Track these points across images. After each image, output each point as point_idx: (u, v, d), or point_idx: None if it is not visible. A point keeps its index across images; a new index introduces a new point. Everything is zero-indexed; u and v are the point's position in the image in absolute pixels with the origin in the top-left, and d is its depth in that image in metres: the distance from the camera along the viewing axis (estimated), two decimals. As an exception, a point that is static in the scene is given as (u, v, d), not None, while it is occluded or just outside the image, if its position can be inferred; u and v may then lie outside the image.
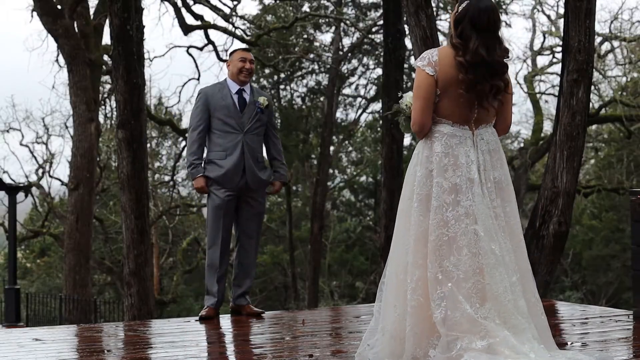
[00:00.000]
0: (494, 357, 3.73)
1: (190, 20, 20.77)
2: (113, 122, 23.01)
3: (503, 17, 23.92)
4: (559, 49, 20.12)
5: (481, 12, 4.01)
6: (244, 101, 6.31)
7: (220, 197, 6.18)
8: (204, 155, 6.34)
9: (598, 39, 21.55)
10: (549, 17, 23.92)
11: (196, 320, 6.13)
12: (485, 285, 3.87)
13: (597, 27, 17.92)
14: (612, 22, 22.30)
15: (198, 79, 22.73)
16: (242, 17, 22.32)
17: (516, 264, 4.01)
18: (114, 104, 21.22)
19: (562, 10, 19.87)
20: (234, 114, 6.26)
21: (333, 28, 25.33)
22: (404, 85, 20.41)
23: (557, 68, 21.80)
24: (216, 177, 6.19)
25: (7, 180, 22.79)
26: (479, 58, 3.95)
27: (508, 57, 4.08)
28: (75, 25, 18.89)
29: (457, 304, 3.84)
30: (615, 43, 22.77)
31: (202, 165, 6.28)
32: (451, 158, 3.99)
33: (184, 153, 25.69)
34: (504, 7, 23.79)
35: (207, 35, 21.43)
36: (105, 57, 20.03)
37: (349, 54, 25.75)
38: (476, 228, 3.92)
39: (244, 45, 19.55)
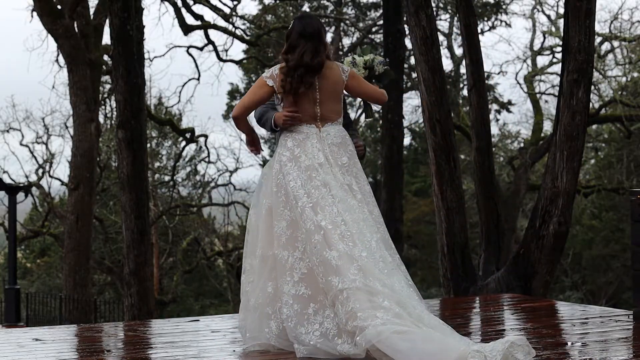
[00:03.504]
0: (365, 282, 4.31)
1: (190, 20, 20.79)
2: (113, 122, 23.01)
3: (503, 17, 23.94)
4: (559, 49, 20.12)
5: (306, 23, 4.76)
6: None
7: None
8: None
9: (598, 39, 21.54)
10: (549, 17, 23.92)
11: None
12: (353, 233, 4.49)
13: (597, 27, 17.94)
14: (612, 22, 22.30)
15: (198, 79, 22.75)
16: (242, 17, 22.32)
17: (375, 225, 4.64)
18: (114, 104, 21.22)
19: (562, 10, 19.86)
20: None
21: (333, 28, 25.33)
22: (404, 85, 20.41)
23: (557, 68, 21.80)
24: None
25: (7, 180, 22.80)
26: (302, 62, 4.66)
27: (330, 57, 4.82)
28: (75, 25, 18.89)
29: (332, 245, 4.44)
30: (615, 43, 22.76)
31: None
32: (301, 149, 4.71)
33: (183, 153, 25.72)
34: (504, 7, 23.79)
35: (207, 35, 21.43)
36: (105, 57, 20.03)
37: (349, 54, 25.75)
38: (333, 193, 4.58)
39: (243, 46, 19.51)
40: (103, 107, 23.05)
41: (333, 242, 4.44)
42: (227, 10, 21.28)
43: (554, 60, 23.55)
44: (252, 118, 6.21)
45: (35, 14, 19.56)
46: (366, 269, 4.37)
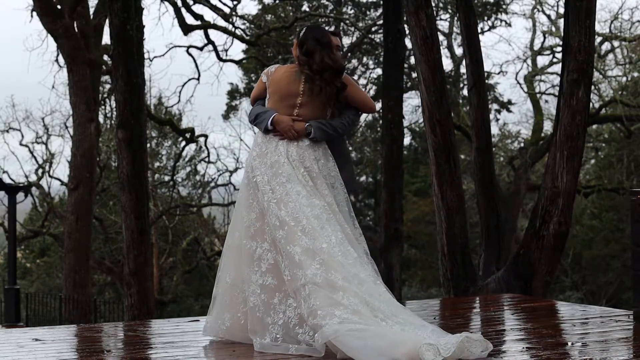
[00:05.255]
0: (327, 276, 4.47)
1: (190, 20, 20.78)
2: (113, 122, 23.00)
3: (503, 16, 23.92)
4: (559, 49, 20.11)
5: (322, 31, 5.09)
6: None
7: None
8: None
9: (598, 39, 21.53)
10: (549, 17, 23.90)
11: None
12: (314, 227, 4.65)
13: (597, 27, 17.92)
14: (612, 22, 22.29)
15: (198, 79, 22.73)
16: (242, 17, 22.31)
17: (338, 224, 4.78)
18: (114, 104, 21.18)
19: (562, 10, 19.86)
20: None
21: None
22: (404, 85, 20.39)
23: (557, 68, 21.79)
24: None
25: (7, 180, 22.79)
26: (326, 66, 4.87)
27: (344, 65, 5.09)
28: (75, 25, 18.88)
29: (295, 241, 4.62)
30: (615, 43, 22.76)
31: None
32: (270, 145, 4.94)
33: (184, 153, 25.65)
34: (504, 7, 23.77)
35: (207, 35, 21.43)
36: (105, 57, 20.02)
37: (349, 54, 25.74)
38: (297, 190, 4.77)
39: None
40: (103, 107, 23.05)
41: (296, 238, 4.63)
42: (227, 10, 21.29)
43: (554, 60, 23.54)
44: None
45: (35, 14, 19.55)
46: (328, 262, 4.56)
